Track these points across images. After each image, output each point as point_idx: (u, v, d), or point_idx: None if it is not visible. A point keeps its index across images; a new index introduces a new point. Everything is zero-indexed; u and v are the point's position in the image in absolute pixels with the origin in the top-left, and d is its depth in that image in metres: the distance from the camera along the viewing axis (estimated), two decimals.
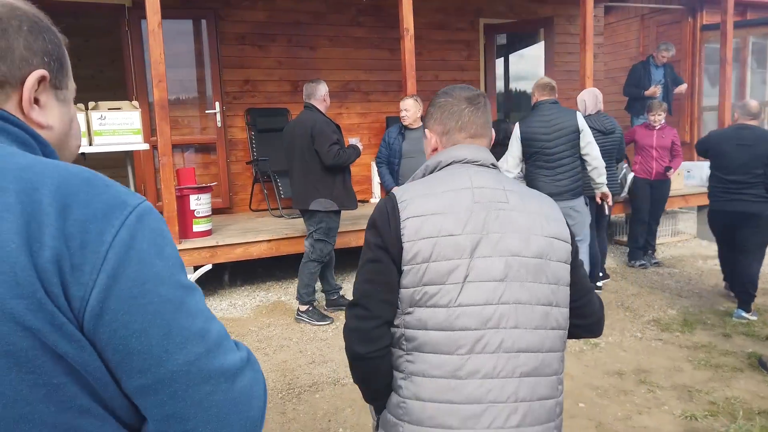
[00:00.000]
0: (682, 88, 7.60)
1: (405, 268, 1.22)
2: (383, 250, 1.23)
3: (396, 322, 1.24)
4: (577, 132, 4.18)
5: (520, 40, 7.99)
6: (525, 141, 4.26)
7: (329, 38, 6.77)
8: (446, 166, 1.35)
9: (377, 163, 4.79)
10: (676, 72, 7.87)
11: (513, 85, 8.42)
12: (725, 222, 4.27)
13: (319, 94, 4.13)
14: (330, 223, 4.09)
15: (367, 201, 6.97)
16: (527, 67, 8.15)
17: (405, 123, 4.61)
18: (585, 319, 1.36)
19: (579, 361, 3.59)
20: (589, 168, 4.27)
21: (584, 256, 4.42)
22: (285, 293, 4.99)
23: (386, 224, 1.24)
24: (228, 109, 6.33)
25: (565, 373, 1.68)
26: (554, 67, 7.36)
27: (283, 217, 5.74)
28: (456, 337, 1.18)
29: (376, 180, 6.96)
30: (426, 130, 1.45)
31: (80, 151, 3.00)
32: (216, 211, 6.02)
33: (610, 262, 5.81)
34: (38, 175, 0.63)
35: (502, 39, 8.02)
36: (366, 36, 6.96)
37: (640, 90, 6.84)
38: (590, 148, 4.22)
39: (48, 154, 0.73)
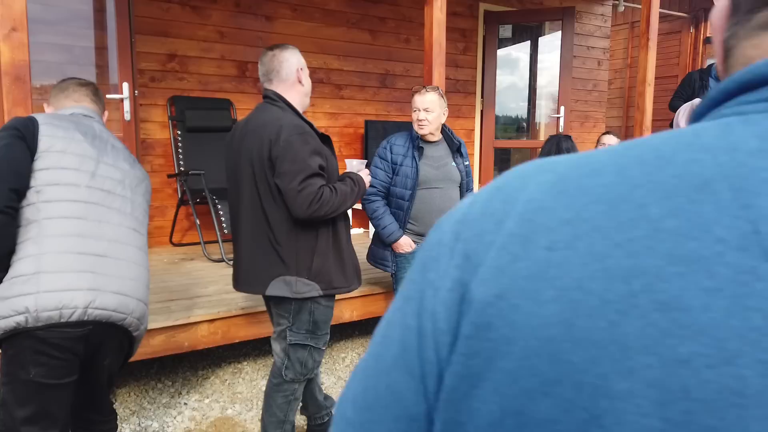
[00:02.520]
0: None
1: None
2: None
3: None
4: None
5: (527, 32, 6.49)
6: None
7: (292, 7, 4.90)
8: None
9: (368, 198, 2.92)
10: None
11: (508, 87, 6.90)
12: None
13: (289, 72, 2.15)
14: (318, 314, 2.21)
15: None
16: (527, 65, 6.69)
17: (422, 132, 2.85)
18: None
19: None
20: None
21: None
22: (235, 400, 3.06)
23: None
24: (142, 96, 4.29)
25: None
26: (571, 70, 5.90)
27: (224, 261, 3.79)
28: None
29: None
30: None
31: None
32: None
33: None
34: None
35: (506, 31, 6.47)
36: (341, 10, 5.15)
37: None
38: None
39: None
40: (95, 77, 4.11)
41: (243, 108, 4.71)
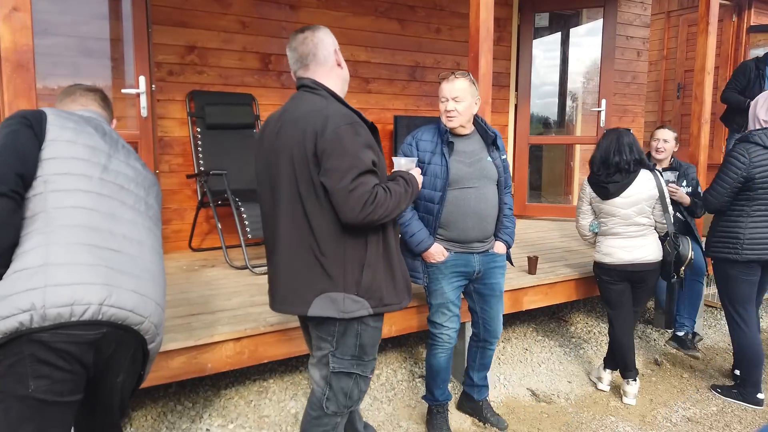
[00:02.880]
0: None
1: None
2: None
3: None
4: None
5: (562, 21, 6.12)
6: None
7: None
8: None
9: None
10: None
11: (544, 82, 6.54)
12: None
13: (327, 54, 1.88)
14: (365, 337, 1.87)
15: None
16: (572, 59, 6.31)
17: (451, 125, 2.48)
18: None
19: None
20: None
21: None
22: (263, 425, 2.76)
23: None
24: (160, 91, 4.02)
25: None
26: (613, 61, 5.52)
27: (247, 268, 3.50)
28: None
29: None
30: None
31: None
32: None
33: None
34: None
35: (542, 20, 6.10)
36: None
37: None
38: None
39: None
40: (110, 70, 3.84)
41: (266, 103, 4.41)
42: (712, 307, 4.70)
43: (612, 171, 3.04)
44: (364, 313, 1.78)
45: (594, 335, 4.11)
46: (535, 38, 5.79)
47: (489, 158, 2.52)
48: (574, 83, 6.81)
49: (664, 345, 3.96)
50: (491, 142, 2.53)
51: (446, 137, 2.47)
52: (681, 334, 3.82)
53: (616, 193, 3.04)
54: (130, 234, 1.54)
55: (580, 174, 6.26)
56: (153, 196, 1.71)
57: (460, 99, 2.41)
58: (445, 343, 2.61)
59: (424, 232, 2.49)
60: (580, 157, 6.23)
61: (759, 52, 6.96)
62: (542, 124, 7.24)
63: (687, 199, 3.52)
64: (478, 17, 2.96)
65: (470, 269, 2.57)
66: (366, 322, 1.81)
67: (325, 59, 1.86)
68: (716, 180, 3.07)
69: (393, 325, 2.84)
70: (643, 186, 3.00)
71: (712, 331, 4.31)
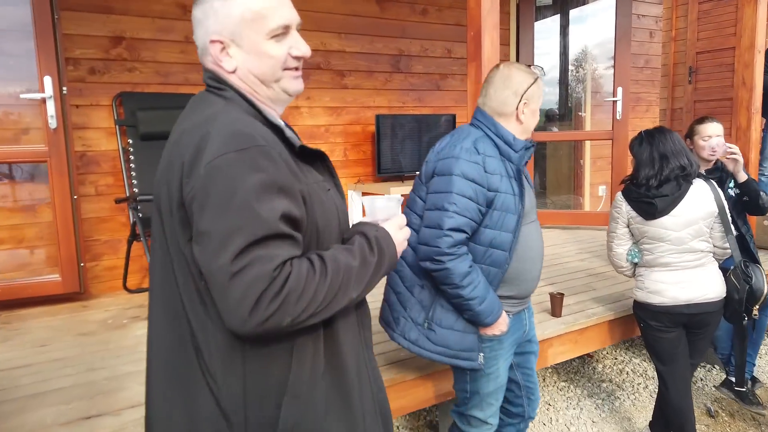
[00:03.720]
0: None
1: None
2: None
3: None
4: None
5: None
6: None
7: None
8: None
9: (452, 253, 1.62)
10: None
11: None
12: None
13: (225, 24, 1.00)
14: None
15: None
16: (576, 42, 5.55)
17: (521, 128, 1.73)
18: None
19: None
20: None
21: None
22: None
23: None
24: (78, 94, 3.19)
25: None
26: (630, 43, 4.75)
27: None
28: None
29: None
30: None
31: None
32: (50, 300, 2.95)
33: None
34: None
35: None
36: None
37: None
38: None
39: None
40: (6, 70, 3.01)
41: None
42: None
43: (660, 182, 2.29)
44: None
45: (628, 376, 3.35)
46: (536, 20, 5.01)
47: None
48: (581, 69, 6.05)
49: (714, 388, 3.20)
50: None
51: (511, 146, 1.69)
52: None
53: (665, 211, 2.28)
54: None
55: (590, 174, 5.50)
56: None
57: (528, 100, 1.72)
58: None
59: (494, 296, 1.68)
60: (591, 155, 5.48)
61: None
62: (545, 117, 6.48)
63: (743, 175, 2.73)
64: None
65: (521, 331, 1.86)
66: None
67: (226, 26, 1.03)
68: None
69: None
70: (700, 200, 2.26)
71: None
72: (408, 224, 1.43)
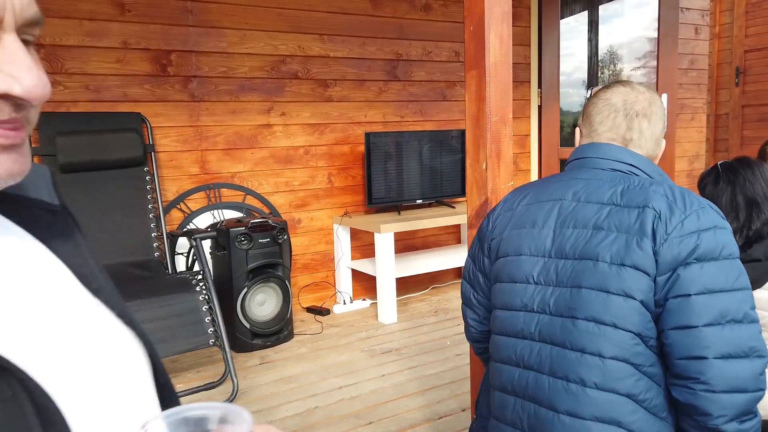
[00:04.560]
0: None
1: None
2: None
3: None
4: None
5: None
6: None
7: None
8: None
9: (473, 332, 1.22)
10: None
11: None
12: None
13: None
14: None
15: (326, 311, 3.34)
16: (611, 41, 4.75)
17: None
18: None
19: None
20: None
21: None
22: None
23: None
24: None
25: None
26: (677, 40, 3.95)
27: None
28: None
29: (344, 277, 3.46)
30: None
31: None
32: None
33: None
34: None
35: None
36: None
37: None
38: None
39: None
40: None
41: (166, 126, 2.92)
42: None
43: (747, 239, 1.59)
44: None
45: None
46: (562, 17, 4.24)
47: None
48: (606, 71, 5.25)
49: None
50: None
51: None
52: None
53: (759, 282, 1.56)
54: None
55: None
56: None
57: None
58: None
59: None
60: None
61: None
62: (571, 127, 5.70)
63: None
64: None
65: None
66: None
67: None
68: None
69: None
70: None
71: None
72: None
